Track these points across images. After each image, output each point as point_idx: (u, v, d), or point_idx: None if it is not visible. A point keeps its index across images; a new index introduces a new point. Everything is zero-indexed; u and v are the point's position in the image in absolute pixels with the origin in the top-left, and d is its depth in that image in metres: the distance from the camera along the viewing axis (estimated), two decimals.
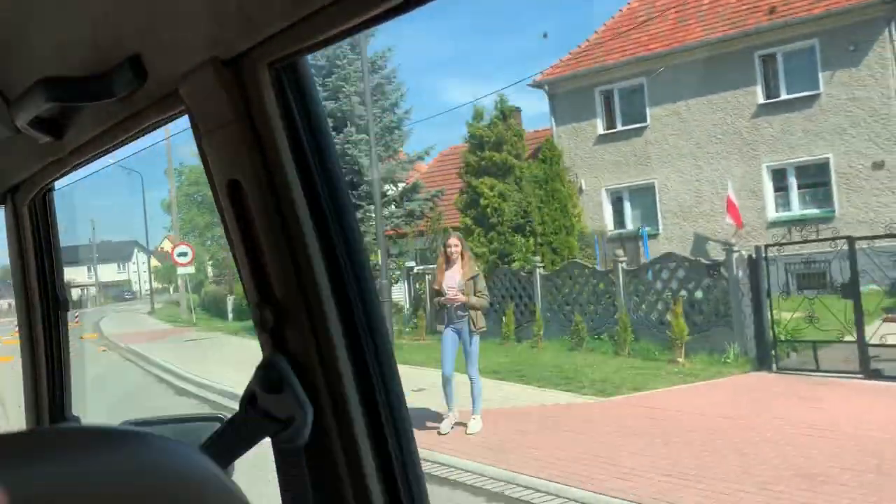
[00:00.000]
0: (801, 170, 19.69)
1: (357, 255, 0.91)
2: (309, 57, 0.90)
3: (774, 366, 9.90)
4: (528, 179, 15.58)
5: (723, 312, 10.88)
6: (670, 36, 21.76)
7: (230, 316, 29.47)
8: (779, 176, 20.07)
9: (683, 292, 11.22)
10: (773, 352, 10.01)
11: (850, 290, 9.16)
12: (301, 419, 0.88)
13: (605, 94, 22.77)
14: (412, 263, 18.92)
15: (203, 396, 11.84)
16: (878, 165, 18.47)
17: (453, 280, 7.25)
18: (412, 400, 9.33)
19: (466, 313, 7.24)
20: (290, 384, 0.90)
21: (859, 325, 8.97)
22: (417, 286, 18.38)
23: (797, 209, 19.91)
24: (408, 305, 18.84)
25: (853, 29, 18.40)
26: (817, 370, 9.41)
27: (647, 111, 21.84)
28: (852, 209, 18.78)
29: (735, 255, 10.58)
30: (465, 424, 7.45)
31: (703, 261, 11.48)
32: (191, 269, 29.74)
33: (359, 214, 17.53)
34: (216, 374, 13.12)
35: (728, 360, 10.29)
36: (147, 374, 15.53)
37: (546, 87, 23.16)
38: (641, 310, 12.25)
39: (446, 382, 7.54)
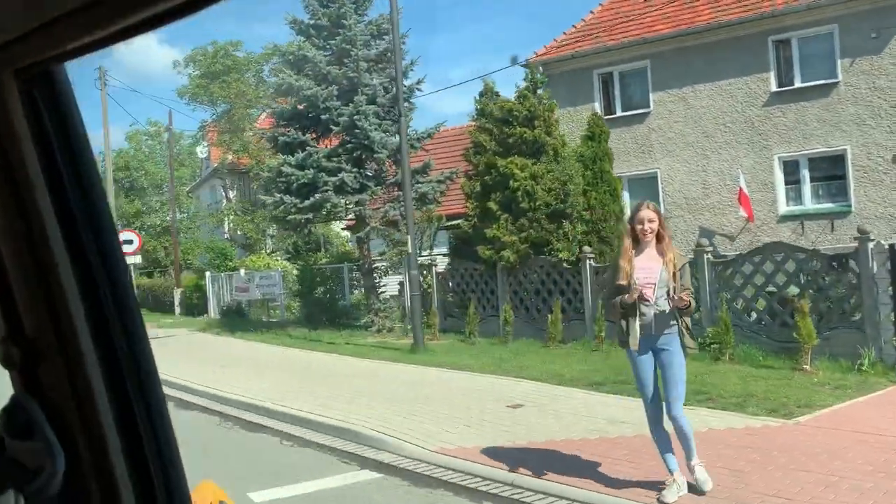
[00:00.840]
0: (815, 162, 18.67)
1: (119, 284, 0.85)
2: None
3: None
4: (573, 159, 13.79)
5: (849, 312, 9.39)
6: (676, 17, 20.47)
7: (177, 310, 26.65)
8: (791, 168, 18.99)
9: (794, 288, 9.67)
10: None
11: None
12: (52, 468, 0.79)
13: (603, 77, 21.30)
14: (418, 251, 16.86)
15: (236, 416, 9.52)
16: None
17: (652, 271, 4.97)
18: (514, 419, 7.39)
19: (676, 323, 5.03)
20: (41, 429, 0.80)
21: None
22: (424, 278, 16.33)
23: (810, 203, 18.89)
24: (408, 301, 16.73)
25: (876, 14, 17.44)
26: None
27: (651, 96, 20.46)
28: (870, 204, 17.84)
29: (871, 245, 9.09)
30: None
31: (824, 252, 9.97)
32: (137, 259, 26.63)
33: (364, 196, 15.34)
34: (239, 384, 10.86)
35: (864, 368, 8.78)
36: None
37: (540, 69, 21.45)
38: (734, 308, 10.69)
39: (655, 427, 5.19)
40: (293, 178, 14.92)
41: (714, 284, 11.08)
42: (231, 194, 33.50)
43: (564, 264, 13.30)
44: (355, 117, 14.54)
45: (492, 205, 14.16)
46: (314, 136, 15.74)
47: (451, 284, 15.59)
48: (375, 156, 15.04)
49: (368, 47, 15.22)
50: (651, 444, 6.37)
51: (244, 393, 10.04)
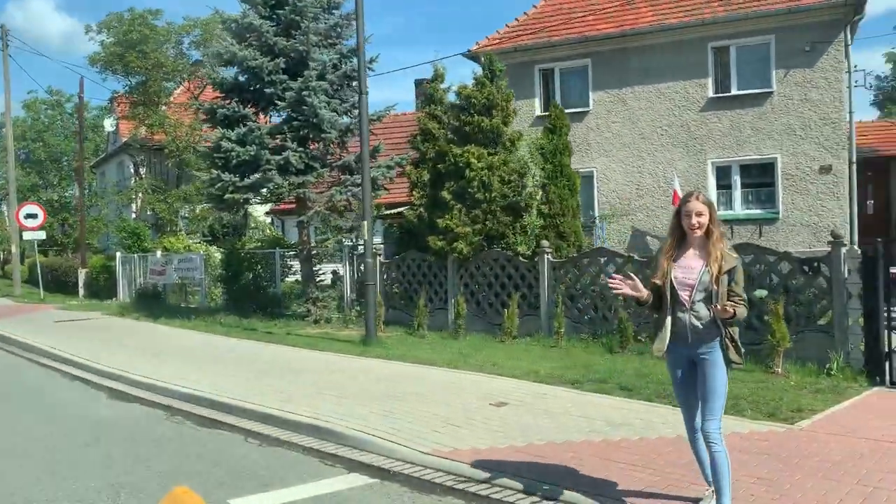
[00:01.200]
0: (746, 168, 19.21)
1: None
2: None
3: (888, 379, 8.58)
4: (536, 150, 13.44)
5: (817, 315, 9.45)
6: (619, 18, 20.58)
7: (81, 292, 24.80)
8: (723, 173, 19.47)
9: (761, 291, 9.66)
10: (887, 363, 8.67)
11: None
12: None
13: (544, 72, 21.23)
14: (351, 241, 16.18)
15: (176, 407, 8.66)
16: (825, 169, 18.27)
17: (693, 272, 4.46)
18: (504, 419, 6.97)
19: (720, 332, 4.46)
20: None
21: None
22: (362, 267, 15.66)
23: (740, 209, 19.40)
24: (348, 290, 16.05)
25: (811, 28, 18.06)
26: None
27: (591, 95, 20.56)
28: (796, 211, 18.48)
29: (844, 250, 9.15)
30: None
31: (795, 255, 9.98)
32: (41, 234, 24.61)
33: (309, 178, 14.51)
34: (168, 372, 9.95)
35: (833, 372, 8.84)
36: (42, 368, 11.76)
37: (482, 59, 21.10)
38: None
39: (692, 435, 4.77)
40: (233, 154, 13.95)
41: None
42: (142, 171, 31.62)
43: (521, 258, 12.97)
44: (304, 93, 13.70)
45: (445, 194, 13.68)
46: (255, 110, 14.77)
47: (395, 275, 14.99)
48: (323, 135, 14.23)
49: (318, 20, 14.39)
50: (664, 449, 6.09)
51: (190, 385, 9.18)
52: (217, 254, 20.06)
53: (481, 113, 13.75)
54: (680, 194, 19.08)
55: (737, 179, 19.29)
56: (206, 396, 8.57)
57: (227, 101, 14.62)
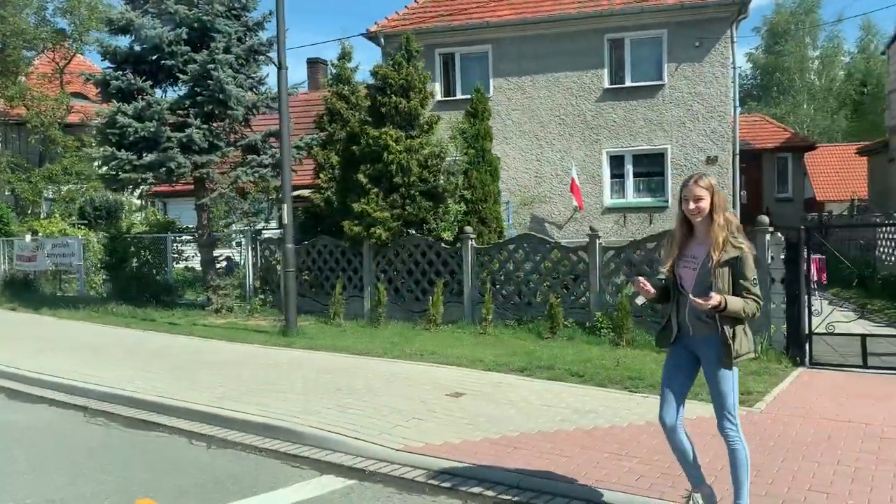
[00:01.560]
0: (639, 158, 19.87)
1: None
2: None
3: (808, 360, 9.05)
4: (456, 134, 13.18)
5: None
6: (520, 5, 20.70)
7: None
8: (617, 163, 20.05)
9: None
10: (807, 345, 9.15)
11: None
12: None
13: (445, 57, 21.05)
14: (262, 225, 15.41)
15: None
16: (711, 160, 19.20)
17: (696, 260, 4.21)
18: (466, 409, 6.79)
19: (718, 326, 4.14)
20: None
21: None
22: (271, 254, 14.94)
23: (632, 197, 20.07)
24: (250, 278, 15.24)
25: (701, 25, 18.90)
26: (865, 366, 8.74)
27: (491, 82, 20.57)
28: None
29: (768, 237, 9.53)
30: None
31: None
32: None
33: (213, 157, 13.59)
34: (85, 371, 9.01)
35: (758, 355, 9.20)
36: None
37: (382, 40, 20.70)
38: (611, 292, 10.88)
39: (671, 438, 4.44)
40: (130, 129, 12.81)
41: (606, 269, 11.17)
42: None
43: (443, 244, 12.74)
44: (210, 66, 12.76)
45: (361, 177, 13.20)
46: (152, 83, 13.63)
47: (305, 262, 14.36)
48: (229, 112, 13.33)
49: None
50: (640, 436, 6.06)
51: (105, 382, 8.32)
52: (95, 239, 18.52)
53: (398, 94, 13.35)
54: (578, 183, 19.60)
55: (629, 169, 19.91)
56: (128, 395, 7.79)
57: (122, 73, 13.40)
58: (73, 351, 10.54)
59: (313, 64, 25.54)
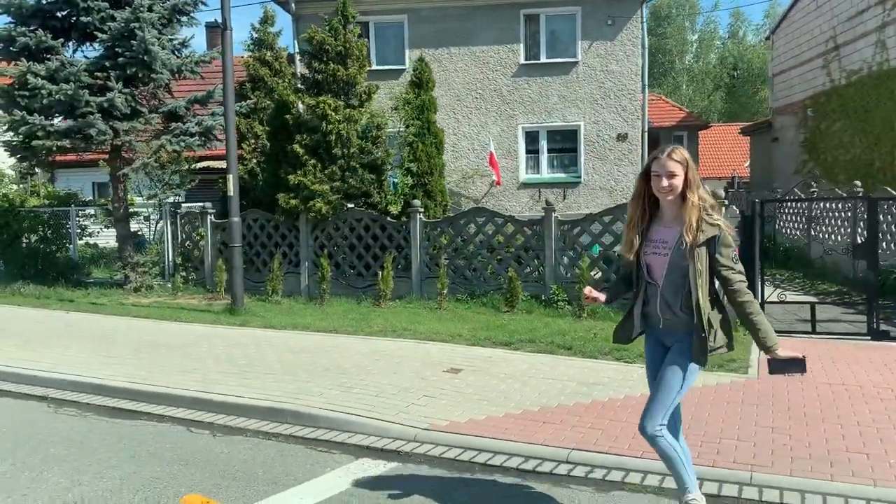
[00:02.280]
0: (553, 134, 20.21)
1: None
2: None
3: None
4: (401, 105, 12.77)
5: None
6: None
7: None
8: (532, 138, 20.30)
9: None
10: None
11: None
12: None
13: (359, 25, 20.44)
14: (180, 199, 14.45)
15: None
16: (622, 137, 19.80)
17: (666, 245, 3.73)
18: (473, 386, 6.70)
19: (698, 320, 3.66)
20: None
21: None
22: (192, 230, 14.07)
23: (546, 172, 20.41)
24: (170, 254, 14.31)
25: (612, 4, 19.35)
26: (813, 332, 9.28)
27: (407, 53, 20.24)
28: (596, 176, 19.86)
29: (722, 211, 9.87)
30: None
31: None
32: None
33: (136, 124, 12.56)
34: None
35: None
36: None
37: (292, 7, 19.86)
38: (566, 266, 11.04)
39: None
40: (43, 92, 11.56)
41: (560, 243, 11.25)
42: None
43: (388, 218, 12.40)
44: (133, 24, 11.69)
45: (297, 148, 12.62)
46: (62, 42, 12.33)
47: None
48: (154, 76, 12.30)
49: None
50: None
51: (61, 370, 7.54)
52: None
53: (336, 62, 12.82)
54: (497, 157, 19.68)
55: (544, 145, 20.18)
56: (98, 382, 7.08)
57: (30, 29, 12.06)
58: (3, 335, 9.49)
59: (212, 27, 24.13)
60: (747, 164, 34.05)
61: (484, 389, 6.65)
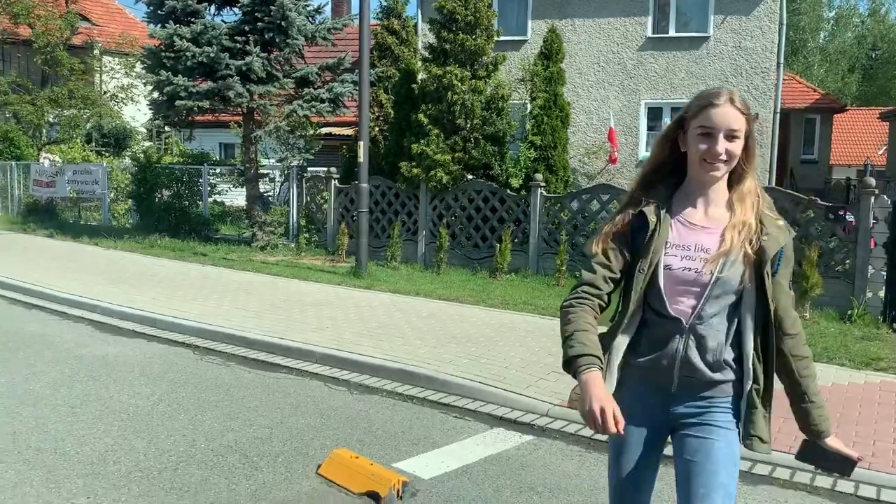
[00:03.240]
0: (678, 112, 19.43)
1: None
2: None
3: None
4: (528, 76, 12.68)
5: (838, 262, 9.62)
6: None
7: None
8: (654, 115, 19.66)
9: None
10: None
11: None
12: None
13: None
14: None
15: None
16: (753, 117, 18.82)
17: (702, 249, 2.23)
18: None
19: (745, 378, 2.24)
20: None
21: None
22: (319, 192, 14.47)
23: None
24: (295, 216, 14.79)
25: None
26: None
27: (529, 23, 19.91)
28: None
29: (872, 199, 9.29)
30: None
31: (820, 202, 10.01)
32: None
33: (271, 88, 12.98)
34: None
35: (854, 319, 9.08)
36: None
37: None
38: None
39: None
40: (188, 54, 12.11)
41: None
42: None
43: (508, 191, 12.36)
44: None
45: (421, 117, 12.70)
46: (206, 6, 12.84)
47: (353, 202, 13.90)
48: (290, 41, 12.66)
49: None
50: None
51: (203, 319, 7.95)
52: (117, 166, 17.84)
53: (464, 31, 12.77)
54: (616, 132, 19.19)
55: (667, 122, 19.48)
56: (238, 334, 7.43)
57: None
58: (144, 284, 10.10)
59: None
60: (882, 151, 31.98)
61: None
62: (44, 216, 17.87)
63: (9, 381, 6.05)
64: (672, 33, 19.02)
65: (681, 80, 19.03)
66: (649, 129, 19.61)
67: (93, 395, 5.76)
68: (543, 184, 12.06)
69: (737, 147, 2.18)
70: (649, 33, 19.07)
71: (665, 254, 2.23)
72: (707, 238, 2.23)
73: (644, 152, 19.45)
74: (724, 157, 2.17)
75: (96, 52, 27.38)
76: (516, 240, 12.27)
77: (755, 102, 18.65)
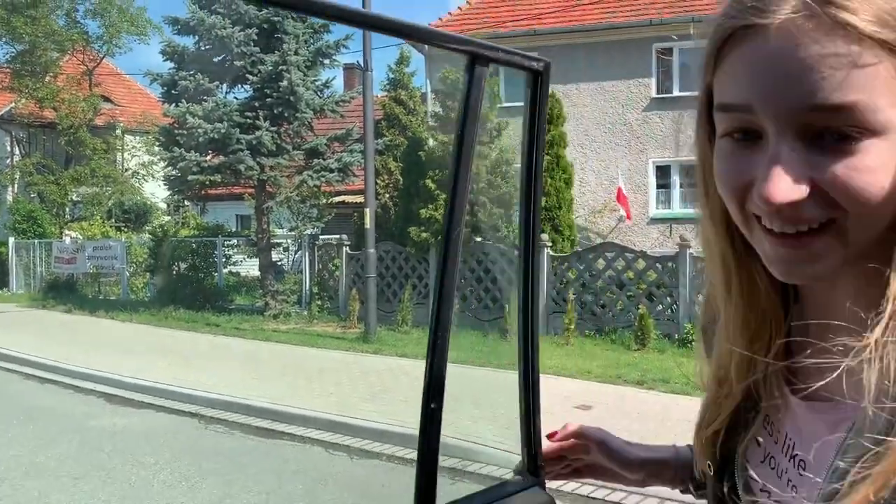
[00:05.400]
0: (686, 168, 19.62)
1: None
2: None
3: None
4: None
5: None
6: (566, 14, 20.56)
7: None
8: (662, 172, 19.83)
9: None
10: None
11: None
12: None
13: None
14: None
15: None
16: None
17: (796, 464, 0.69)
18: (610, 425, 6.53)
19: None
20: None
21: None
22: (331, 259, 14.68)
23: (678, 207, 19.83)
24: (307, 283, 14.98)
25: None
26: None
27: None
28: None
29: None
30: None
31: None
32: None
33: (281, 160, 13.36)
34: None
35: None
36: None
37: (425, 48, 20.52)
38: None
39: None
40: (199, 131, 12.56)
41: (695, 280, 10.92)
42: (17, 150, 28.48)
43: (515, 252, 12.48)
44: (281, 67, 12.53)
45: (428, 183, 12.96)
46: (217, 84, 13.38)
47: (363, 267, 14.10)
48: (298, 115, 13.09)
49: None
50: None
51: (209, 389, 8.03)
52: (135, 241, 18.25)
53: None
54: (625, 192, 19.35)
55: (676, 179, 19.67)
56: (243, 402, 7.50)
57: (190, 73, 13.16)
58: (156, 355, 10.24)
59: (350, 69, 25.31)
60: None
61: (616, 429, 6.48)
62: (64, 292, 18.23)
63: (17, 454, 6.14)
64: (676, 93, 19.34)
65: (688, 138, 19.03)
66: (658, 186, 19.78)
67: (97, 465, 5.83)
68: (550, 243, 12.19)
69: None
70: (654, 94, 19.41)
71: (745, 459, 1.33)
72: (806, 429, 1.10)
73: (654, 209, 19.57)
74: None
75: (118, 131, 28.28)
76: None
77: None
